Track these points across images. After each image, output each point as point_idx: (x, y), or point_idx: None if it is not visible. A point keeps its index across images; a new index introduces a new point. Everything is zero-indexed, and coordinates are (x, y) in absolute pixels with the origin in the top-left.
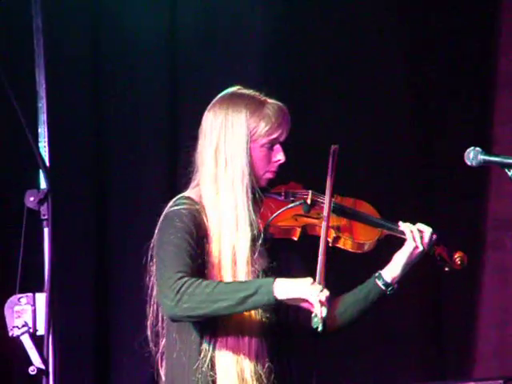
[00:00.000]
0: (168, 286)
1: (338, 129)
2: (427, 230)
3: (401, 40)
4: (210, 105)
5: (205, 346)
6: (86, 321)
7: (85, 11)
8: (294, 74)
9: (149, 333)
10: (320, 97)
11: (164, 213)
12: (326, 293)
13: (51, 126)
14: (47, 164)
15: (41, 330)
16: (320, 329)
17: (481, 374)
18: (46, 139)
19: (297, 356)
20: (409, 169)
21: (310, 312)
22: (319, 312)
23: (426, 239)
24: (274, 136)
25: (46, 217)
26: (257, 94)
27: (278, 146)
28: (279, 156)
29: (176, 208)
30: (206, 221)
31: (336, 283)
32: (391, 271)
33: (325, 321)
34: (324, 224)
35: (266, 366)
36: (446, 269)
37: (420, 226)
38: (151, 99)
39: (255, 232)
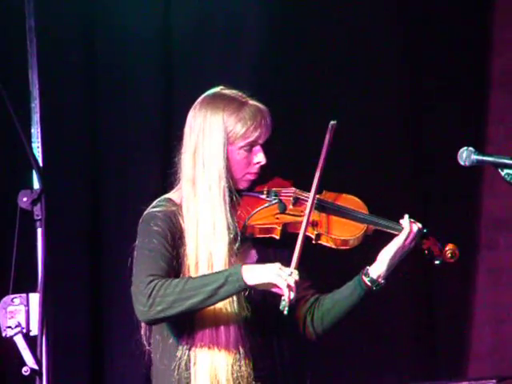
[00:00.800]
0: (140, 291)
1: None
2: (419, 226)
3: (398, 40)
4: (193, 106)
5: (182, 346)
6: (79, 321)
7: (78, 11)
8: (289, 73)
9: (142, 333)
10: (316, 97)
11: (143, 215)
12: (295, 277)
13: (44, 127)
14: (40, 164)
15: (34, 330)
16: (286, 312)
17: (474, 374)
18: (39, 139)
19: (291, 357)
20: (402, 169)
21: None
22: (287, 295)
23: (418, 235)
24: (252, 139)
25: (39, 217)
26: (239, 94)
27: (257, 148)
28: (259, 158)
29: (152, 210)
30: (182, 223)
31: (325, 280)
32: (378, 267)
33: (292, 305)
34: (306, 213)
35: (245, 366)
36: (437, 262)
37: (413, 221)
38: (145, 99)
39: (233, 235)
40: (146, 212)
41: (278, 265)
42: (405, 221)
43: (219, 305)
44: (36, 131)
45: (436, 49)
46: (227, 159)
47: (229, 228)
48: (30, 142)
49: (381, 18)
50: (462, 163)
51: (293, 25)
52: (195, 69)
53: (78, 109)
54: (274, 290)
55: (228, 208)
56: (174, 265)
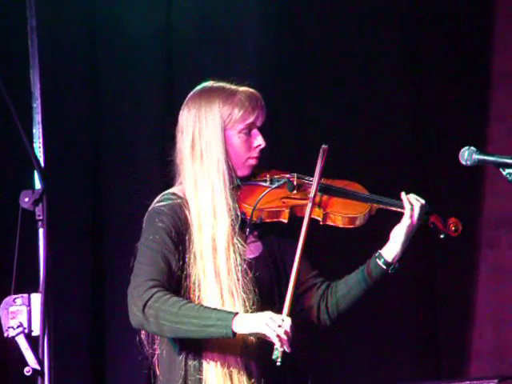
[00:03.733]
0: (138, 294)
1: (335, 128)
2: (422, 201)
3: (399, 39)
4: (184, 102)
5: (190, 342)
6: (81, 321)
7: (80, 12)
8: (291, 72)
9: (143, 335)
10: (317, 95)
11: (148, 210)
12: (287, 326)
13: (46, 127)
14: (42, 164)
15: (36, 330)
16: (279, 363)
17: (476, 373)
18: (41, 140)
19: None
20: (404, 168)
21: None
22: (278, 346)
23: (423, 210)
24: (250, 120)
25: (41, 217)
26: (228, 84)
27: (255, 131)
28: (259, 140)
29: (158, 205)
30: (188, 214)
31: (339, 265)
32: (391, 249)
33: (286, 354)
34: (308, 209)
35: (251, 356)
36: (442, 236)
37: (416, 197)
38: (147, 99)
39: (234, 217)
40: (151, 207)
41: (268, 314)
42: (403, 197)
43: (225, 300)
44: (37, 131)
45: (438, 47)
46: (227, 145)
47: (229, 210)
48: (31, 142)
49: (382, 18)
50: (463, 163)
51: (294, 24)
52: (197, 68)
53: (79, 109)
54: (265, 337)
55: (228, 192)
56: (174, 264)
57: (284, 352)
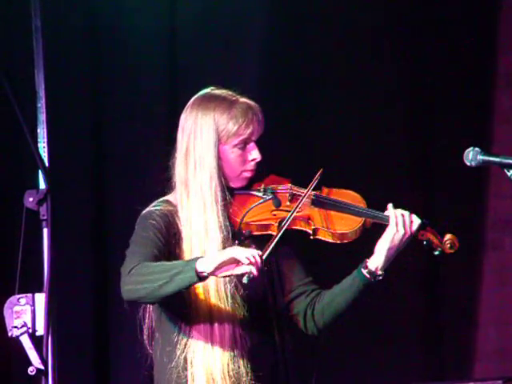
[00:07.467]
0: (124, 273)
1: (335, 129)
2: (407, 214)
3: (401, 39)
4: (184, 108)
5: (179, 344)
6: (85, 321)
7: (83, 11)
8: (293, 72)
9: (145, 336)
10: (319, 96)
11: (141, 214)
12: (255, 252)
13: (50, 127)
14: (46, 164)
15: (40, 330)
16: (245, 280)
17: (480, 374)
18: (46, 139)
19: (293, 352)
20: (408, 169)
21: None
22: (248, 266)
23: (407, 223)
24: (245, 136)
25: (45, 217)
26: (229, 93)
27: (251, 145)
28: (254, 154)
29: (150, 209)
30: (179, 223)
31: (328, 275)
32: (375, 259)
33: (252, 276)
34: (294, 207)
35: (243, 366)
36: (436, 253)
37: (401, 210)
38: (151, 99)
39: (225, 235)
40: (144, 211)
41: (235, 246)
42: (389, 211)
43: (214, 302)
44: (42, 131)
45: (442, 48)
46: (221, 159)
47: (221, 227)
48: (36, 142)
49: (383, 18)
50: (468, 164)
51: (298, 24)
52: (200, 68)
53: (83, 109)
54: (236, 271)
55: (220, 208)
56: (166, 254)
57: (253, 276)
